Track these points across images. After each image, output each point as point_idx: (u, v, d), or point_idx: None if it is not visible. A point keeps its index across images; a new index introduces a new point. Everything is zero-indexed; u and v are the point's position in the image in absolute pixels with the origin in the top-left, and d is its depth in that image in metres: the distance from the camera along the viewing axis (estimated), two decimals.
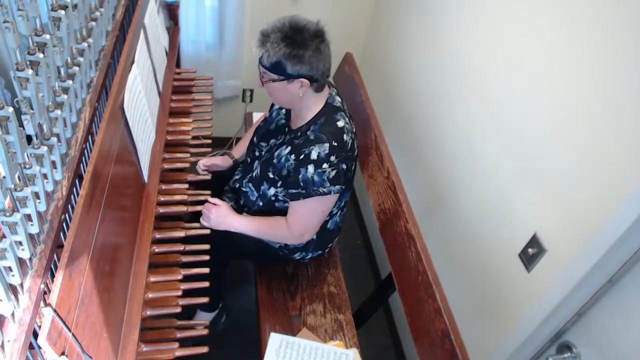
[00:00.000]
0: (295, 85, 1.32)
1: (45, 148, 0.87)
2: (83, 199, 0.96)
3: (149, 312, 1.22)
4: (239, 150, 1.79)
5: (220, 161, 1.76)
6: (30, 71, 0.82)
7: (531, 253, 1.29)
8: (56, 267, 0.89)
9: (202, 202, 1.54)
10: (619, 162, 1.04)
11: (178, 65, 2.13)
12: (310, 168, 1.33)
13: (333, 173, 1.34)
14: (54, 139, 0.91)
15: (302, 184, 1.36)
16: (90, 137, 1.14)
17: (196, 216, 1.54)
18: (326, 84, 1.41)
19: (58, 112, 0.95)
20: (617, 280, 1.09)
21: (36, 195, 0.85)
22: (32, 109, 0.86)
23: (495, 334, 1.46)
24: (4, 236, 0.75)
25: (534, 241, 1.29)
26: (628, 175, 1.01)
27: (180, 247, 1.38)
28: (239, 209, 1.59)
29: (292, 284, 1.68)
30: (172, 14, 2.08)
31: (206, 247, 1.40)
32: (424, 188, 1.92)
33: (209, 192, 1.56)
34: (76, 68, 1.06)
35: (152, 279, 1.29)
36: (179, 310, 1.26)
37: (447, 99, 1.76)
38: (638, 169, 0.99)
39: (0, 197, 0.73)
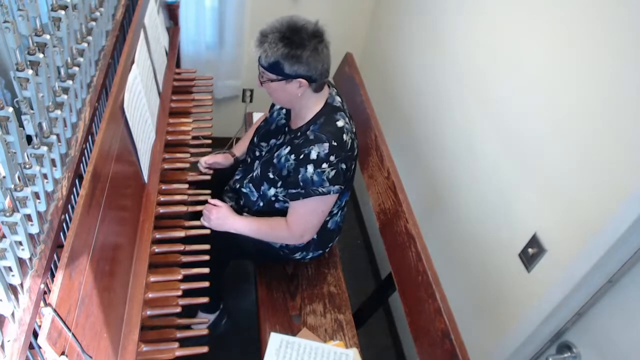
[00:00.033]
0: (293, 86, 1.32)
1: (45, 148, 0.87)
2: (83, 199, 0.96)
3: (149, 312, 1.22)
4: (240, 149, 1.80)
5: (222, 159, 1.76)
6: (30, 71, 0.82)
7: (531, 253, 1.29)
8: (56, 267, 0.89)
9: (202, 202, 1.54)
10: (619, 162, 1.04)
11: (178, 65, 2.13)
12: (310, 168, 1.33)
13: (332, 173, 1.34)
14: (54, 137, 0.91)
15: (301, 183, 1.36)
16: (90, 137, 1.14)
17: (196, 216, 1.55)
18: (326, 84, 1.41)
19: (58, 112, 0.95)
20: (617, 280, 1.09)
21: (36, 195, 0.85)
22: (32, 109, 0.86)
23: (495, 334, 1.46)
24: (4, 236, 0.75)
25: (534, 241, 1.29)
26: (628, 175, 1.01)
27: (180, 247, 1.38)
28: (239, 209, 1.59)
29: (292, 284, 1.68)
30: (172, 14, 2.08)
31: (206, 247, 1.40)
32: (424, 188, 1.92)
33: (208, 191, 1.56)
34: (76, 68, 1.06)
35: (152, 279, 1.29)
36: (179, 310, 1.26)
37: (447, 99, 1.76)
38: (638, 169, 0.99)
39: (0, 197, 0.73)
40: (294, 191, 1.39)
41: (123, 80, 1.27)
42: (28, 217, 0.82)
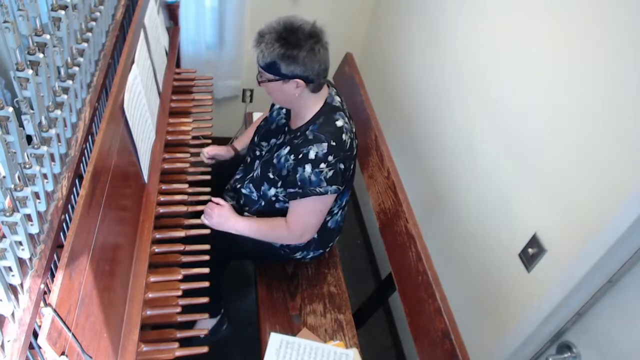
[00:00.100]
0: (290, 86, 1.32)
1: (45, 148, 0.87)
2: (83, 199, 0.96)
3: (149, 312, 1.22)
4: (241, 143, 1.81)
5: (224, 151, 1.77)
6: (30, 71, 0.82)
7: (531, 253, 1.29)
8: (56, 267, 0.89)
9: (202, 202, 1.54)
10: (619, 162, 1.04)
11: (178, 65, 2.13)
12: (308, 167, 1.33)
13: (330, 173, 1.34)
14: (52, 131, 0.91)
15: (299, 183, 1.36)
16: (90, 137, 1.14)
17: (197, 216, 1.55)
18: (325, 84, 1.41)
19: (58, 112, 0.95)
20: (617, 280, 1.09)
21: (36, 195, 0.85)
22: (32, 109, 0.86)
23: (495, 334, 1.46)
24: (4, 236, 0.75)
25: (534, 241, 1.29)
26: (628, 175, 1.01)
27: (180, 247, 1.38)
28: (239, 209, 1.59)
29: (292, 284, 1.68)
30: (172, 14, 2.08)
31: (206, 247, 1.40)
32: (424, 188, 1.92)
33: (208, 189, 1.56)
34: (76, 68, 1.06)
35: (152, 279, 1.29)
36: (179, 310, 1.26)
37: (447, 99, 1.76)
38: (638, 169, 0.99)
39: (0, 197, 0.73)
40: (292, 191, 1.39)
41: (123, 80, 1.27)
42: (28, 217, 0.82)
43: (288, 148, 1.42)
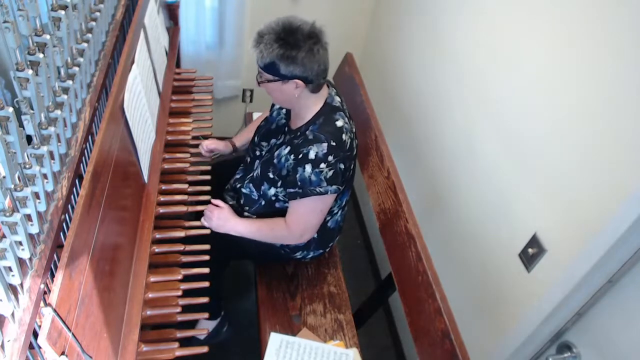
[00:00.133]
0: (290, 86, 1.32)
1: (45, 148, 0.87)
2: (83, 199, 0.96)
3: (149, 312, 1.22)
4: (240, 139, 1.81)
5: (223, 146, 1.78)
6: (30, 71, 0.82)
7: (531, 253, 1.29)
8: (56, 267, 0.89)
9: (202, 202, 1.54)
10: (619, 162, 1.04)
11: (178, 65, 2.13)
12: (308, 167, 1.33)
13: (330, 173, 1.34)
14: (52, 129, 0.91)
15: (299, 183, 1.36)
16: (90, 137, 1.14)
17: (198, 217, 1.55)
18: (324, 84, 1.41)
19: (58, 112, 0.95)
20: (617, 280, 1.09)
21: (36, 195, 0.85)
22: (32, 109, 0.86)
23: (495, 334, 1.46)
24: (4, 236, 0.75)
25: (534, 241, 1.29)
26: (628, 175, 1.01)
27: (180, 247, 1.38)
28: (239, 209, 1.59)
29: (292, 283, 1.68)
30: (172, 14, 2.08)
31: (206, 247, 1.40)
32: (424, 188, 1.92)
33: (208, 188, 1.56)
34: (76, 68, 1.06)
35: (152, 279, 1.29)
36: (179, 310, 1.26)
37: (447, 99, 1.76)
38: (638, 169, 0.99)
39: (0, 197, 0.73)
40: (292, 191, 1.39)
41: (123, 80, 1.27)
42: (28, 217, 0.82)
43: (288, 148, 1.42)
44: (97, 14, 1.24)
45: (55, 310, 0.82)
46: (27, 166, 0.83)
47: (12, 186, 0.77)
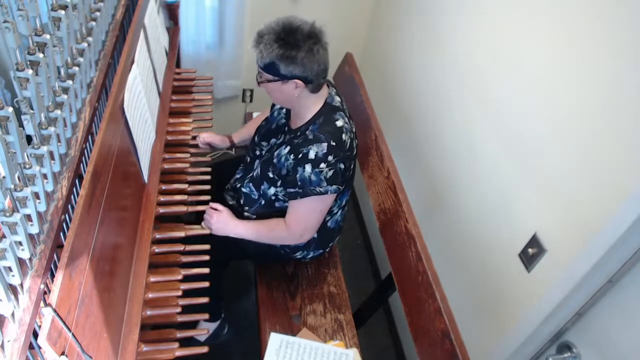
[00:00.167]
0: (290, 86, 1.32)
1: (45, 148, 0.87)
2: (83, 199, 0.96)
3: (149, 312, 1.22)
4: (239, 136, 1.82)
5: (219, 141, 1.79)
6: (30, 71, 0.82)
7: (531, 253, 1.29)
8: (56, 267, 0.89)
9: (202, 202, 1.54)
10: (619, 162, 1.04)
11: (178, 65, 2.13)
12: (308, 167, 1.33)
13: (330, 173, 1.34)
14: (52, 129, 0.91)
15: (299, 183, 1.36)
16: (90, 137, 1.14)
17: (200, 218, 1.55)
18: (324, 84, 1.41)
19: (58, 112, 0.95)
20: (617, 280, 1.09)
21: (36, 195, 0.85)
22: (32, 109, 0.86)
23: (495, 334, 1.46)
24: (4, 236, 0.75)
25: (534, 241, 1.29)
26: (628, 175, 1.01)
27: (180, 247, 1.38)
28: (239, 208, 1.59)
29: (292, 283, 1.68)
30: (172, 14, 2.08)
31: (206, 247, 1.40)
32: (424, 188, 1.92)
33: (208, 187, 1.56)
34: (76, 68, 1.06)
35: (152, 279, 1.28)
36: (179, 310, 1.26)
37: (447, 99, 1.76)
38: (638, 169, 0.99)
39: (0, 197, 0.73)
40: (292, 190, 1.39)
41: (123, 80, 1.27)
42: (28, 217, 0.82)
43: (288, 148, 1.42)
44: (97, 14, 1.24)
45: (55, 310, 0.82)
46: (27, 166, 0.83)
47: (12, 186, 0.77)
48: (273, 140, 1.56)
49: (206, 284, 1.34)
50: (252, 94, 2.62)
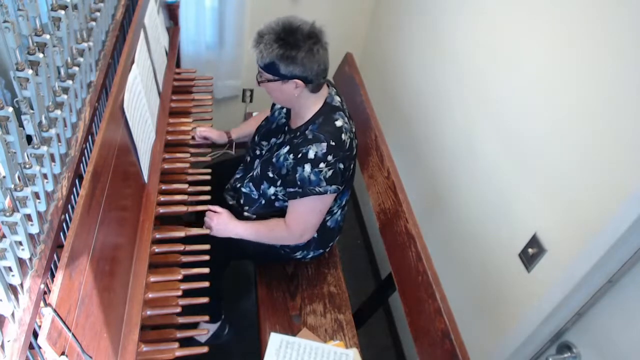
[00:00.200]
0: (290, 86, 1.32)
1: (45, 148, 0.87)
2: (83, 199, 0.96)
3: (149, 312, 1.22)
4: (238, 131, 1.83)
5: (217, 136, 1.79)
6: (30, 71, 0.82)
7: (531, 253, 1.29)
8: (56, 267, 0.89)
9: (202, 202, 1.54)
10: (619, 162, 1.04)
11: (178, 65, 2.13)
12: (307, 167, 1.33)
13: (330, 173, 1.34)
14: (52, 131, 0.91)
15: (299, 182, 1.36)
16: (90, 137, 1.14)
17: (200, 218, 1.55)
18: (324, 84, 1.41)
19: (58, 112, 0.95)
20: (617, 280, 1.09)
21: (36, 195, 0.85)
22: (32, 109, 0.86)
23: (495, 334, 1.46)
24: (4, 236, 0.75)
25: (534, 241, 1.29)
26: (628, 175, 1.01)
27: (180, 247, 1.38)
28: (239, 208, 1.59)
29: (292, 283, 1.68)
30: (172, 14, 2.08)
31: (206, 247, 1.40)
32: (424, 188, 1.92)
33: (208, 188, 1.56)
34: (76, 68, 1.06)
35: (152, 279, 1.28)
36: (179, 310, 1.26)
37: (447, 99, 1.76)
38: (638, 169, 0.99)
39: (0, 197, 0.73)
40: (291, 190, 1.39)
41: (123, 80, 1.27)
42: (28, 217, 0.82)
43: (288, 147, 1.42)
44: (97, 14, 1.24)
45: (55, 310, 0.82)
46: (27, 166, 0.83)
47: (12, 186, 0.77)
48: (273, 140, 1.56)
49: (206, 284, 1.34)
50: (252, 94, 2.62)
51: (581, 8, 1.15)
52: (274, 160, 1.46)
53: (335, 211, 1.57)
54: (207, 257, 1.39)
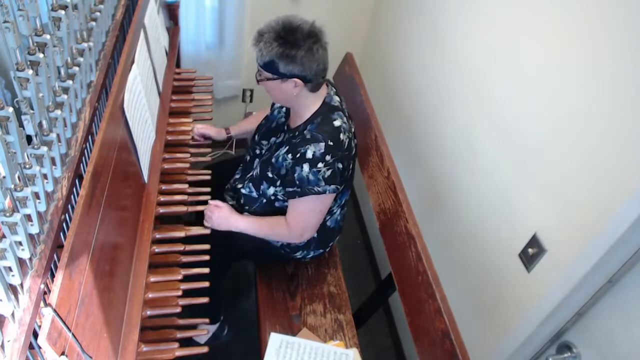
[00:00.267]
0: (289, 85, 1.32)
1: (45, 148, 0.87)
2: (83, 199, 0.96)
3: (149, 312, 1.22)
4: (237, 129, 1.83)
5: (215, 133, 1.79)
6: (30, 71, 0.82)
7: (531, 253, 1.29)
8: (56, 267, 0.89)
9: (202, 202, 1.54)
10: (619, 162, 1.04)
11: (178, 65, 2.13)
12: (306, 167, 1.34)
13: (328, 172, 1.34)
14: (53, 135, 0.91)
15: (297, 182, 1.36)
16: (90, 137, 1.14)
17: (200, 218, 1.55)
18: (323, 84, 1.41)
19: (58, 112, 0.95)
20: (617, 280, 1.09)
21: (36, 195, 0.85)
22: (32, 109, 0.86)
23: (495, 334, 1.46)
24: (4, 236, 0.75)
25: (534, 241, 1.29)
26: (628, 175, 1.01)
27: (180, 247, 1.38)
28: (239, 208, 1.59)
29: (292, 283, 1.68)
30: (172, 14, 2.08)
31: (206, 247, 1.40)
32: (424, 188, 1.92)
33: (208, 189, 1.57)
34: (76, 68, 1.06)
35: (152, 279, 1.28)
36: (179, 310, 1.26)
37: (447, 99, 1.76)
38: (638, 169, 0.99)
39: (0, 197, 0.73)
40: (290, 190, 1.39)
41: (123, 80, 1.27)
42: (28, 217, 0.82)
43: (286, 147, 1.42)
44: (97, 14, 1.24)
45: (55, 310, 0.82)
46: (27, 166, 0.83)
47: (12, 186, 0.77)
48: (273, 139, 1.56)
49: (206, 284, 1.34)
50: (252, 94, 2.62)
51: (581, 8, 1.15)
52: (273, 160, 1.46)
53: (334, 211, 1.57)
54: (207, 257, 1.39)
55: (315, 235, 1.56)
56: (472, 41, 1.62)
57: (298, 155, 1.35)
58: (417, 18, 2.02)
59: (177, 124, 1.76)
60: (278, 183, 1.47)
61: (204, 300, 1.34)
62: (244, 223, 1.51)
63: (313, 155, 1.33)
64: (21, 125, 0.81)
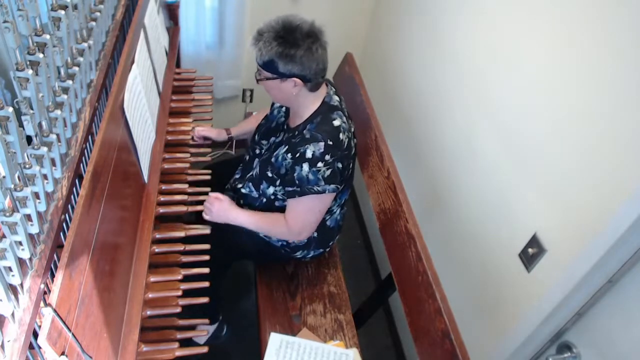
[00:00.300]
0: (288, 84, 1.32)
1: (45, 148, 0.87)
2: (83, 199, 0.96)
3: (149, 312, 1.22)
4: (238, 129, 1.83)
5: (215, 134, 1.79)
6: (30, 71, 0.82)
7: (531, 253, 1.29)
8: (56, 267, 0.89)
9: (202, 202, 1.54)
10: (619, 162, 1.04)
11: (178, 65, 2.13)
12: (305, 166, 1.34)
13: (328, 172, 1.34)
14: (54, 136, 0.91)
15: (297, 181, 1.36)
16: (90, 137, 1.14)
17: (199, 218, 1.55)
18: (323, 84, 1.41)
19: (58, 112, 0.95)
20: (617, 280, 1.09)
21: (36, 195, 0.85)
22: (32, 109, 0.86)
23: (495, 334, 1.46)
24: (4, 236, 0.75)
25: (534, 241, 1.29)
26: (628, 175, 1.01)
27: (180, 247, 1.38)
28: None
29: (292, 283, 1.68)
30: (172, 14, 2.08)
31: (206, 247, 1.40)
32: (424, 188, 1.92)
33: (208, 189, 1.57)
34: (76, 68, 1.06)
35: (152, 279, 1.29)
36: (179, 310, 1.26)
37: (447, 99, 1.76)
38: (638, 169, 0.99)
39: (0, 197, 0.73)
40: (290, 189, 1.39)
41: (123, 80, 1.27)
42: (28, 217, 0.82)
43: (286, 147, 1.42)
44: (97, 14, 1.24)
45: (55, 310, 0.82)
46: (27, 166, 0.83)
47: (12, 186, 0.77)
48: (272, 139, 1.56)
49: (206, 284, 1.34)
50: (252, 94, 2.62)
51: (581, 8, 1.15)
52: (272, 160, 1.46)
53: (334, 210, 1.57)
54: (207, 257, 1.39)
55: (315, 234, 1.56)
56: (472, 41, 1.62)
57: (297, 154, 1.35)
58: (417, 18, 2.02)
59: (177, 124, 1.76)
60: (278, 182, 1.47)
61: (204, 300, 1.34)
62: (244, 217, 1.51)
63: (313, 154, 1.33)
64: (21, 125, 0.81)
